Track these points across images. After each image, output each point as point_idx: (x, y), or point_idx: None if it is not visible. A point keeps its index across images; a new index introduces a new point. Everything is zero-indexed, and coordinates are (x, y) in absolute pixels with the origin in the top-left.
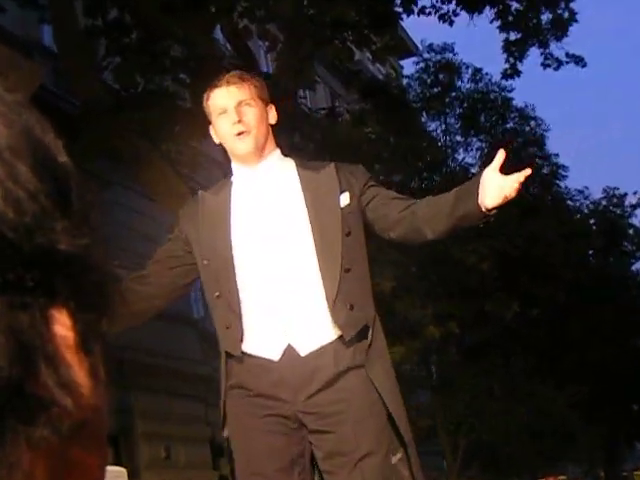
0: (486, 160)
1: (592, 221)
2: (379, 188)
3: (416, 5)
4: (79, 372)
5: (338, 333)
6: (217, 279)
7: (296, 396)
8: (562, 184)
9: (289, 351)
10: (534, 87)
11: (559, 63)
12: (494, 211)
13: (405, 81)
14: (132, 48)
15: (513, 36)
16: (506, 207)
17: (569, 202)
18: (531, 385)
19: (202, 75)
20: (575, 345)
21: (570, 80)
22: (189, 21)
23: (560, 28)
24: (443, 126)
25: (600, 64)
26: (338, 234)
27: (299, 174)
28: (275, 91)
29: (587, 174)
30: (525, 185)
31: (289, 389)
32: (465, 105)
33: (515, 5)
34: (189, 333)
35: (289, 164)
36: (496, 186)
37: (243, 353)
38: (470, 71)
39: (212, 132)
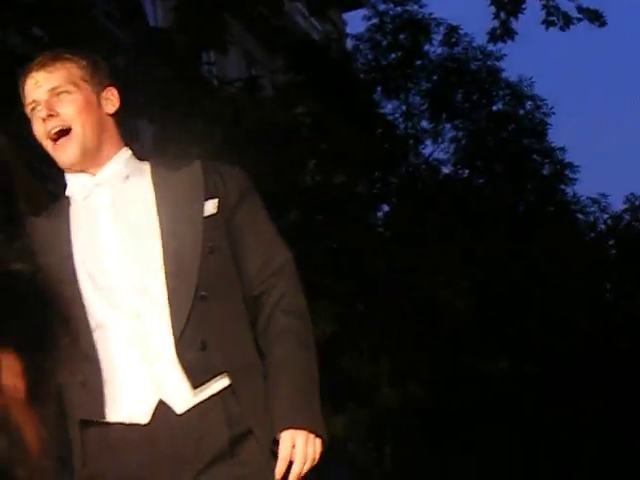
0: (463, 156)
1: (611, 242)
2: (251, 217)
3: None
4: (28, 432)
5: (226, 381)
6: (61, 321)
7: (181, 475)
8: (570, 190)
9: (162, 409)
10: (533, 55)
11: (567, 20)
12: None
13: (351, 43)
14: None
15: None
16: (491, 222)
17: (579, 215)
18: (527, 476)
19: (66, 31)
20: (595, 420)
21: (582, 45)
22: None
23: None
24: (404, 107)
25: (625, 23)
26: (196, 251)
27: (154, 180)
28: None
29: (605, 176)
30: (517, 191)
31: (170, 465)
32: (435, 78)
33: None
34: None
35: (143, 168)
36: None
37: (104, 421)
38: (443, 30)
39: None
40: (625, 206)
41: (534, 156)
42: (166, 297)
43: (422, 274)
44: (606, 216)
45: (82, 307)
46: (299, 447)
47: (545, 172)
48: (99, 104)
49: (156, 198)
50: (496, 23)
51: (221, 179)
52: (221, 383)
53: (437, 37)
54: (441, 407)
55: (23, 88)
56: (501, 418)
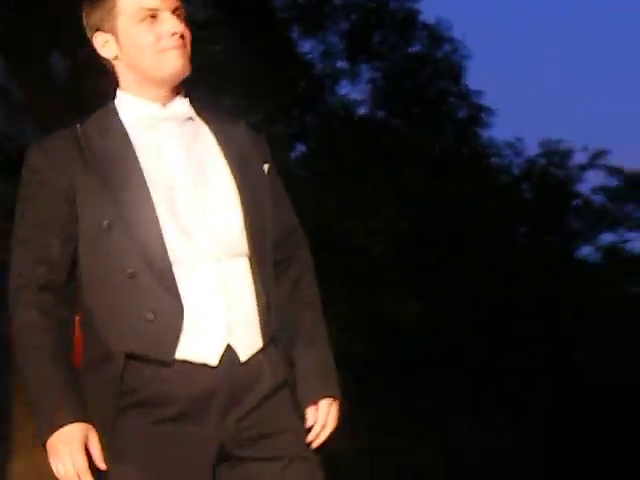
0: (379, 97)
1: (525, 186)
2: (278, 186)
3: None
4: None
5: (269, 334)
6: (129, 249)
7: (226, 417)
8: (485, 134)
9: (228, 354)
10: None
11: None
12: None
13: None
14: None
15: None
16: (407, 163)
17: (494, 159)
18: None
19: None
20: (548, 367)
21: None
22: None
23: None
24: (321, 47)
25: None
26: (268, 211)
27: (212, 129)
28: None
29: (520, 121)
30: (434, 134)
31: (220, 407)
32: (353, 18)
33: None
34: None
35: (192, 110)
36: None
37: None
38: None
39: (101, 41)
40: (540, 151)
41: (450, 99)
42: (247, 250)
43: (339, 216)
44: (521, 160)
45: (160, 234)
46: (333, 415)
47: (461, 115)
48: None
49: (222, 149)
50: None
51: (262, 144)
52: (268, 334)
53: None
54: (385, 357)
55: None
56: (448, 365)
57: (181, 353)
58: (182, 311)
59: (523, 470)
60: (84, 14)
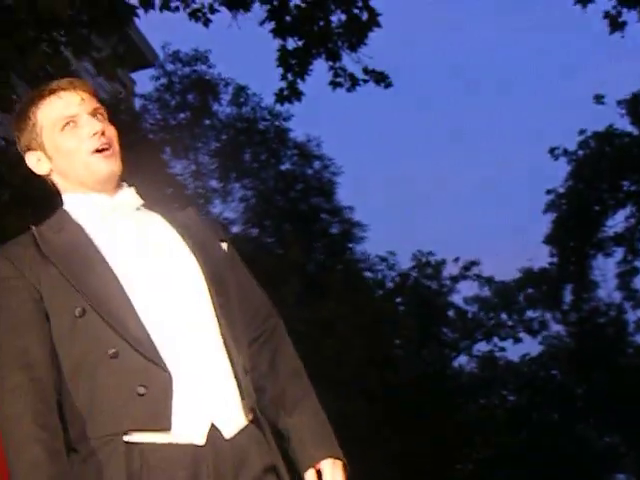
0: (252, 215)
1: (399, 299)
2: (238, 262)
3: None
4: None
5: (250, 412)
6: (107, 331)
7: None
8: (358, 248)
9: (212, 433)
10: (321, 114)
11: (354, 81)
12: None
13: (139, 102)
14: None
15: (292, 43)
16: (281, 281)
17: (368, 273)
18: None
19: None
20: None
21: (371, 106)
22: None
23: (356, 33)
24: (193, 167)
25: (411, 84)
26: (233, 289)
27: (161, 214)
28: None
29: (393, 234)
30: (307, 250)
31: None
32: (224, 137)
33: (295, 1)
34: None
35: (139, 200)
36: None
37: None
38: (231, 89)
39: (34, 159)
40: (412, 263)
41: (323, 215)
42: (218, 329)
43: None
44: (394, 274)
45: (136, 315)
46: (338, 473)
47: (334, 231)
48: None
49: (178, 232)
50: (283, 84)
51: (214, 224)
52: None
53: (226, 97)
54: None
55: (39, 106)
56: None
57: (168, 434)
58: (171, 380)
59: None
60: (16, 138)
